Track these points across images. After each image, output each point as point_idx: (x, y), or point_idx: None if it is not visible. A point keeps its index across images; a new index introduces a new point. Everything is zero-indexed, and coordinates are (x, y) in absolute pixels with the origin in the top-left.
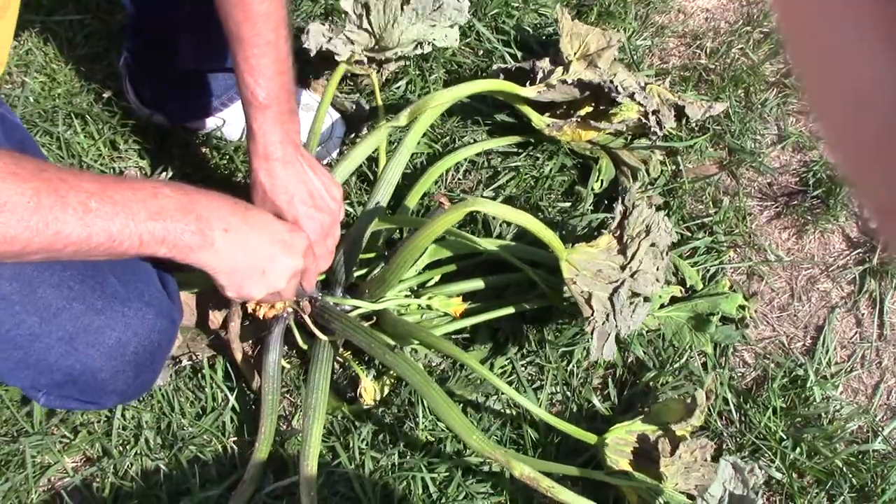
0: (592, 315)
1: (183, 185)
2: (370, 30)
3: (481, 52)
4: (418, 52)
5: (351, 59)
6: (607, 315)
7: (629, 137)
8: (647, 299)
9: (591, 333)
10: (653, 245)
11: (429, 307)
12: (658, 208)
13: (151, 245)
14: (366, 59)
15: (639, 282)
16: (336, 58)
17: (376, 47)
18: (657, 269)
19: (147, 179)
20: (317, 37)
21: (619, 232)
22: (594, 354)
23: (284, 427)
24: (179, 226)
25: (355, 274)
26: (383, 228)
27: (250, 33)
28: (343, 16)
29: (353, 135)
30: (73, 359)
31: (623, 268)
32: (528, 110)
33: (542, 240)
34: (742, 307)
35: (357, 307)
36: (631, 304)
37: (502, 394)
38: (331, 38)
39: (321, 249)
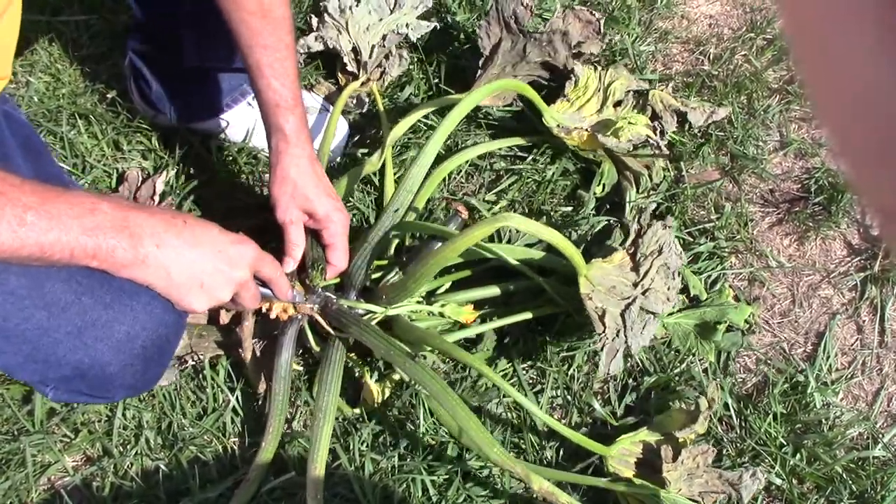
0: (604, 331)
1: (124, 201)
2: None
3: None
4: (393, 42)
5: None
6: (618, 331)
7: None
8: (655, 316)
9: (602, 349)
10: (665, 265)
11: (441, 314)
12: (661, 216)
13: (83, 258)
14: (355, 63)
15: (650, 299)
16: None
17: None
18: (668, 288)
19: (90, 193)
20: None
21: (633, 249)
22: (602, 370)
23: (285, 429)
24: (111, 242)
25: (373, 276)
26: (397, 234)
27: (271, 39)
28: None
29: (357, 150)
30: (82, 353)
31: (635, 285)
32: (542, 105)
33: (565, 255)
34: (749, 315)
35: (370, 311)
36: (642, 321)
37: (504, 398)
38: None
39: (343, 244)
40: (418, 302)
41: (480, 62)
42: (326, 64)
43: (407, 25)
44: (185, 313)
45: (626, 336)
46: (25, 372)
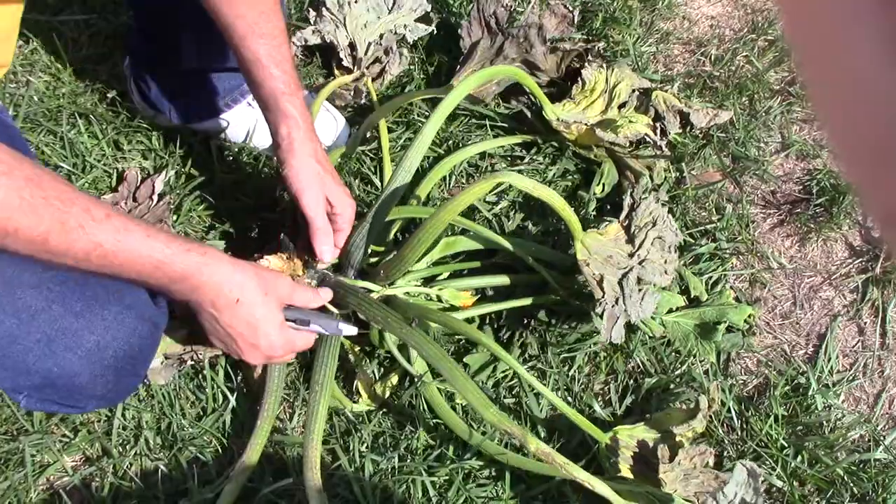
0: (603, 297)
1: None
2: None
3: None
4: (391, 42)
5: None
6: (616, 299)
7: (635, 143)
8: (654, 286)
9: (601, 315)
10: (659, 237)
11: (438, 298)
12: (664, 204)
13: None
14: (351, 61)
15: (646, 269)
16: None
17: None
18: (665, 261)
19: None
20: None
21: (627, 222)
22: (604, 335)
23: (280, 426)
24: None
25: (370, 260)
26: (397, 219)
27: (268, 27)
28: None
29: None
30: (51, 362)
31: (631, 255)
32: (541, 97)
33: (562, 217)
34: (750, 317)
35: (367, 289)
36: (640, 290)
37: (503, 399)
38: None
39: (350, 229)
40: (416, 285)
41: (460, 59)
42: (324, 64)
43: (405, 27)
44: (160, 324)
45: (624, 305)
46: None
